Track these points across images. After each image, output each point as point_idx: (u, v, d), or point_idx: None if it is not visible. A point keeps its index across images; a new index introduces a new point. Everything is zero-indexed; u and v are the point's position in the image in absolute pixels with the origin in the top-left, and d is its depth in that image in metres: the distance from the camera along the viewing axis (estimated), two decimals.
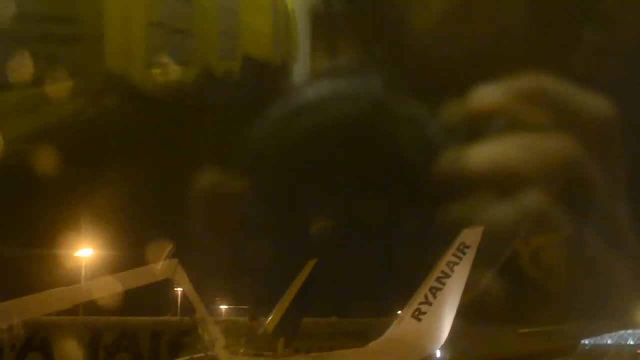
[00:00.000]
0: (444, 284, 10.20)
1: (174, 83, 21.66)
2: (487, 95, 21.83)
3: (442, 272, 10.34)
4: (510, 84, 20.53)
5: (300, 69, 23.58)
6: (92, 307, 24.73)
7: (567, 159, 22.70)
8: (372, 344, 9.55)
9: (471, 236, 10.92)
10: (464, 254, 10.56)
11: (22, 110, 19.19)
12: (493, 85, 21.80)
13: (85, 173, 25.46)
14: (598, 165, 23.72)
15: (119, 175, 25.32)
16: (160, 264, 8.88)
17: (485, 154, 23.63)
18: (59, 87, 18.35)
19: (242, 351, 13.66)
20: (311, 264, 19.22)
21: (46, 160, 19.83)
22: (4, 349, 21.95)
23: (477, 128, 24.71)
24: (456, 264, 10.44)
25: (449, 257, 10.55)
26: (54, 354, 22.31)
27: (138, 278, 8.40)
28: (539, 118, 22.06)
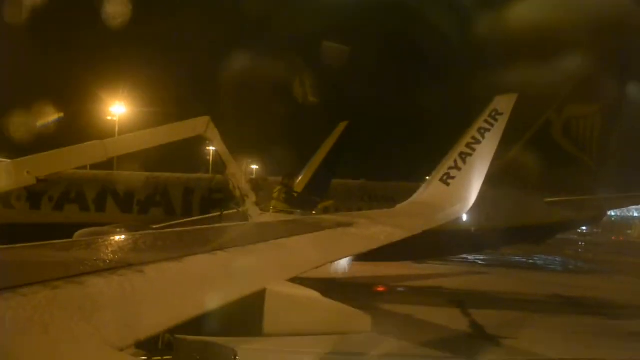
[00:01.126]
0: (473, 150, 10.12)
1: None
2: None
3: (473, 137, 10.23)
4: None
5: None
6: (126, 162, 25.38)
7: (613, 25, 22.01)
8: (399, 206, 9.65)
9: (504, 103, 10.70)
10: (496, 120, 10.39)
11: None
12: None
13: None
14: None
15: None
16: (193, 120, 8.93)
17: (525, 14, 22.97)
18: None
19: (272, 208, 13.97)
20: (342, 126, 19.28)
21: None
22: (42, 200, 22.71)
23: None
24: (487, 130, 10.30)
25: (480, 123, 10.40)
26: (90, 206, 23.03)
27: (171, 133, 8.45)
28: None
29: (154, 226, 13.33)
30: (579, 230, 49.75)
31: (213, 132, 9.30)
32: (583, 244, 48.28)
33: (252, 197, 10.36)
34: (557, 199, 23.46)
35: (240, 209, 10.37)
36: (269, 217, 12.23)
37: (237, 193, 10.26)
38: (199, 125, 9.03)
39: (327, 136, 19.35)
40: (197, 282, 3.10)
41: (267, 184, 20.27)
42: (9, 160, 6.55)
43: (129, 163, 24.78)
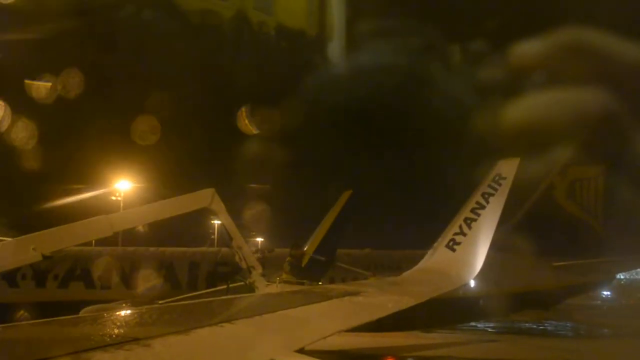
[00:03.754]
0: (478, 215, 10.14)
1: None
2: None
3: (477, 202, 10.27)
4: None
5: (335, 45, 23.42)
6: (130, 238, 25.38)
7: (604, 110, 22.37)
8: (406, 274, 9.61)
9: (507, 167, 10.79)
10: (499, 185, 10.45)
11: None
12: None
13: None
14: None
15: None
16: (197, 193, 9.00)
17: (522, 109, 23.32)
18: None
19: (278, 279, 13.90)
20: (345, 195, 19.36)
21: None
22: (47, 277, 22.63)
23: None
24: (491, 195, 10.35)
25: (483, 188, 10.47)
26: (95, 283, 22.93)
27: (176, 206, 8.50)
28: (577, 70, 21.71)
29: (160, 301, 13.25)
30: (594, 294, 49.20)
31: (218, 205, 9.35)
32: (594, 308, 47.66)
33: (259, 269, 10.33)
34: (564, 262, 23.30)
35: (247, 281, 10.33)
36: (275, 288, 12.16)
37: (244, 265, 10.24)
38: (204, 197, 9.08)
39: (331, 206, 19.41)
40: (205, 355, 3.08)
41: (273, 255, 20.21)
42: (14, 238, 6.57)
43: (135, 238, 24.84)
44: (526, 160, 12.15)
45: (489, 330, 33.27)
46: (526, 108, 22.69)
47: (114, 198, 43.38)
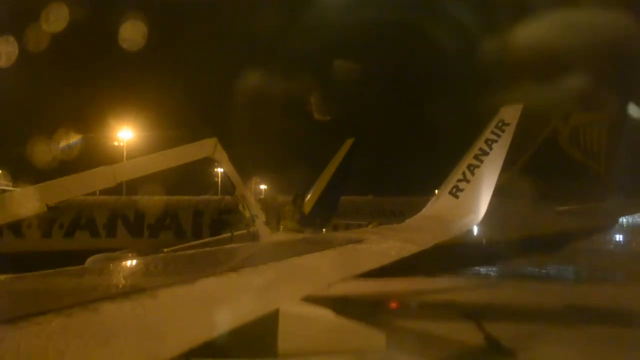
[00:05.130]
0: (481, 161, 10.13)
1: None
2: None
3: (480, 149, 10.24)
4: None
5: None
6: (134, 187, 25.44)
7: (616, 37, 22.00)
8: (409, 220, 9.63)
9: (510, 113, 10.73)
10: (502, 131, 10.41)
11: None
12: None
13: None
14: None
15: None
16: (200, 142, 9.00)
17: (530, 33, 23.00)
18: None
19: (281, 227, 13.98)
20: (348, 143, 19.33)
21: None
22: (53, 227, 22.78)
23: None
24: (494, 141, 10.32)
25: (487, 134, 10.42)
26: (100, 232, 23.09)
27: (179, 156, 8.51)
28: None
29: (165, 249, 13.36)
30: (605, 239, 49.32)
31: (221, 154, 9.35)
32: (601, 252, 47.75)
33: (262, 217, 10.39)
34: (567, 207, 23.36)
35: (251, 229, 10.38)
36: (279, 236, 12.23)
37: (247, 213, 10.28)
38: (207, 147, 9.08)
39: (335, 153, 19.40)
40: (210, 305, 3.10)
41: (276, 203, 20.29)
42: (18, 189, 6.60)
43: (138, 188, 24.91)
44: (529, 106, 12.05)
45: (492, 275, 33.56)
46: (536, 30, 22.39)
47: (116, 144, 43.41)
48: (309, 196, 18.29)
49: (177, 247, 13.70)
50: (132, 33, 22.72)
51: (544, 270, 36.82)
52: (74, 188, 6.99)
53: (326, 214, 18.63)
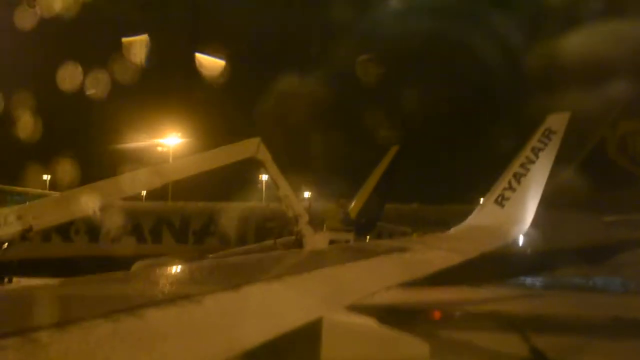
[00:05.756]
0: (527, 170, 10.01)
1: None
2: None
3: (526, 157, 10.12)
4: None
5: None
6: (180, 194, 25.73)
7: None
8: (454, 229, 9.55)
9: (557, 122, 10.58)
10: (549, 139, 10.27)
11: None
12: None
13: None
14: None
15: None
16: (243, 142, 9.03)
17: (577, 42, 22.70)
18: None
19: (325, 227, 13.88)
20: (393, 149, 19.24)
21: None
22: (100, 232, 23.11)
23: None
24: (541, 149, 10.19)
25: (533, 142, 10.30)
26: (146, 237, 23.36)
27: (222, 156, 8.55)
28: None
29: (210, 255, 13.45)
30: None
31: (264, 154, 9.37)
32: None
33: (305, 217, 10.36)
34: (615, 217, 22.86)
35: (294, 231, 10.37)
36: (323, 236, 12.20)
37: (290, 213, 10.28)
38: (250, 146, 9.11)
39: (380, 160, 19.35)
40: (254, 312, 3.10)
41: (321, 207, 20.22)
42: (66, 191, 6.71)
43: (183, 194, 25.19)
44: (577, 114, 11.87)
45: (537, 285, 33.06)
46: (585, 38, 22.05)
47: (160, 149, 43.88)
48: (354, 202, 18.26)
49: (222, 253, 13.80)
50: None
51: (590, 282, 36.14)
52: (121, 189, 7.07)
53: (371, 220, 18.56)
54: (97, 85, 20.04)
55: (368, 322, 4.22)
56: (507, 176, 10.04)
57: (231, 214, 23.99)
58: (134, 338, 2.29)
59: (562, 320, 21.42)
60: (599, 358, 15.18)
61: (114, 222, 22.74)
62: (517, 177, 9.97)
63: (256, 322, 3.04)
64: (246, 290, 3.17)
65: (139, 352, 2.24)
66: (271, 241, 13.73)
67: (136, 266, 15.58)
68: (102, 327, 2.25)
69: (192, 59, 18.57)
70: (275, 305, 3.34)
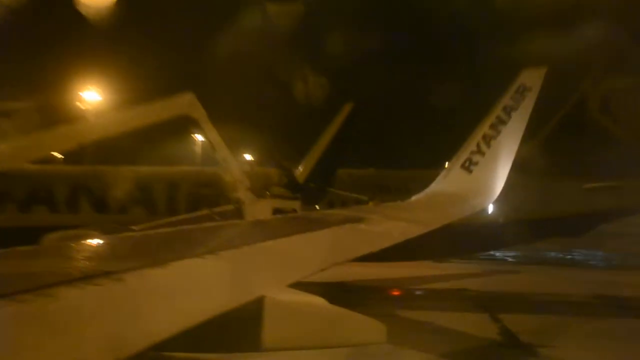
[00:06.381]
0: (499, 132, 10.11)
1: None
2: None
3: (497, 117, 10.21)
4: None
5: None
6: (99, 157, 25.38)
7: None
8: (414, 198, 9.64)
9: (532, 77, 10.68)
10: (523, 97, 10.37)
11: None
12: None
13: None
14: None
15: None
16: (173, 98, 8.91)
17: None
18: None
19: (268, 193, 13.84)
20: (346, 108, 19.26)
21: None
22: (6, 200, 22.71)
23: None
24: (514, 108, 10.29)
25: (505, 100, 10.38)
26: (60, 206, 23.02)
27: (150, 113, 8.44)
28: None
29: (135, 227, 13.31)
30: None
31: (198, 111, 9.27)
32: (634, 236, 47.69)
33: (245, 182, 10.34)
34: (596, 184, 23.31)
35: (232, 199, 10.34)
36: (265, 204, 12.19)
37: (229, 178, 10.23)
38: (182, 102, 8.99)
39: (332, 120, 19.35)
40: (186, 291, 3.10)
41: (263, 172, 20.12)
42: None
43: (104, 158, 24.86)
44: (554, 68, 12.00)
45: (509, 260, 33.75)
46: None
47: (79, 105, 42.94)
48: (302, 166, 18.25)
49: (149, 224, 13.66)
50: None
51: (568, 256, 36.99)
52: (34, 149, 6.93)
53: (321, 186, 18.60)
54: None
55: (316, 301, 4.25)
56: (476, 138, 10.12)
57: (160, 179, 23.80)
58: (45, 322, 2.27)
59: (536, 299, 21.95)
60: (577, 340, 15.54)
61: (22, 189, 22.36)
62: (487, 139, 10.07)
63: (186, 302, 3.04)
64: (175, 267, 3.17)
65: (48, 338, 2.22)
66: (206, 211, 13.66)
67: (47, 239, 15.34)
68: (6, 309, 2.22)
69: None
70: (209, 283, 3.34)
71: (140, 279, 2.87)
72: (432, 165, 20.45)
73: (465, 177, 9.86)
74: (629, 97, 24.23)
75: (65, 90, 40.83)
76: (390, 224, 6.42)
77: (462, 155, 10.06)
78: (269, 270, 4.03)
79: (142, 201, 23.19)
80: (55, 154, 17.86)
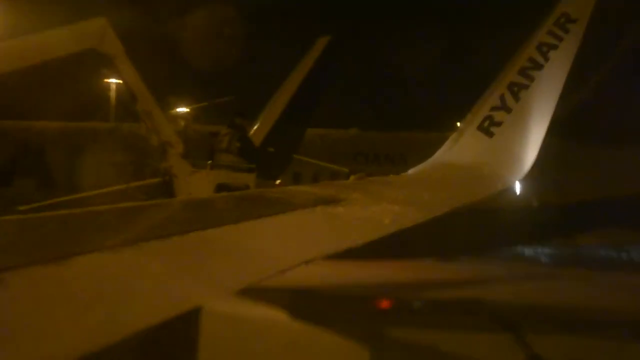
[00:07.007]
0: (532, 79, 10.07)
1: None
2: None
3: (530, 60, 10.15)
4: None
5: None
6: None
7: None
8: (413, 171, 9.65)
9: (578, 4, 10.65)
10: (566, 31, 10.33)
11: None
12: None
13: None
14: None
15: None
16: (81, 24, 8.81)
17: None
18: None
19: (209, 163, 13.76)
20: (321, 42, 19.17)
21: None
22: None
23: None
24: (553, 47, 10.24)
25: (540, 36, 10.31)
26: None
27: (44, 47, 8.35)
28: None
29: (21, 208, 13.27)
30: None
31: (113, 44, 9.13)
32: None
33: (178, 146, 10.24)
34: None
35: (161, 166, 10.25)
36: (206, 177, 12.14)
37: (154, 141, 10.11)
38: (91, 32, 8.85)
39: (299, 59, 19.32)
40: (93, 298, 3.10)
41: (206, 132, 19.85)
42: None
43: None
44: None
45: (543, 259, 33.90)
46: None
47: None
48: (258, 124, 18.13)
49: (41, 203, 13.61)
50: None
51: (624, 252, 37.15)
52: None
53: (285, 152, 18.48)
54: None
55: (273, 315, 4.29)
56: (499, 88, 10.07)
57: (59, 139, 23.69)
58: None
59: (579, 316, 21.98)
60: None
61: None
62: (515, 90, 10.02)
63: (96, 313, 3.04)
64: (77, 264, 3.17)
65: None
66: (122, 185, 13.64)
67: None
68: None
69: None
70: (126, 287, 3.35)
71: (31, 281, 2.87)
72: (439, 127, 20.52)
73: (484, 143, 9.84)
74: None
75: None
76: (378, 208, 6.45)
77: (480, 112, 10.03)
78: (209, 270, 4.04)
79: (32, 170, 23.03)
80: None
